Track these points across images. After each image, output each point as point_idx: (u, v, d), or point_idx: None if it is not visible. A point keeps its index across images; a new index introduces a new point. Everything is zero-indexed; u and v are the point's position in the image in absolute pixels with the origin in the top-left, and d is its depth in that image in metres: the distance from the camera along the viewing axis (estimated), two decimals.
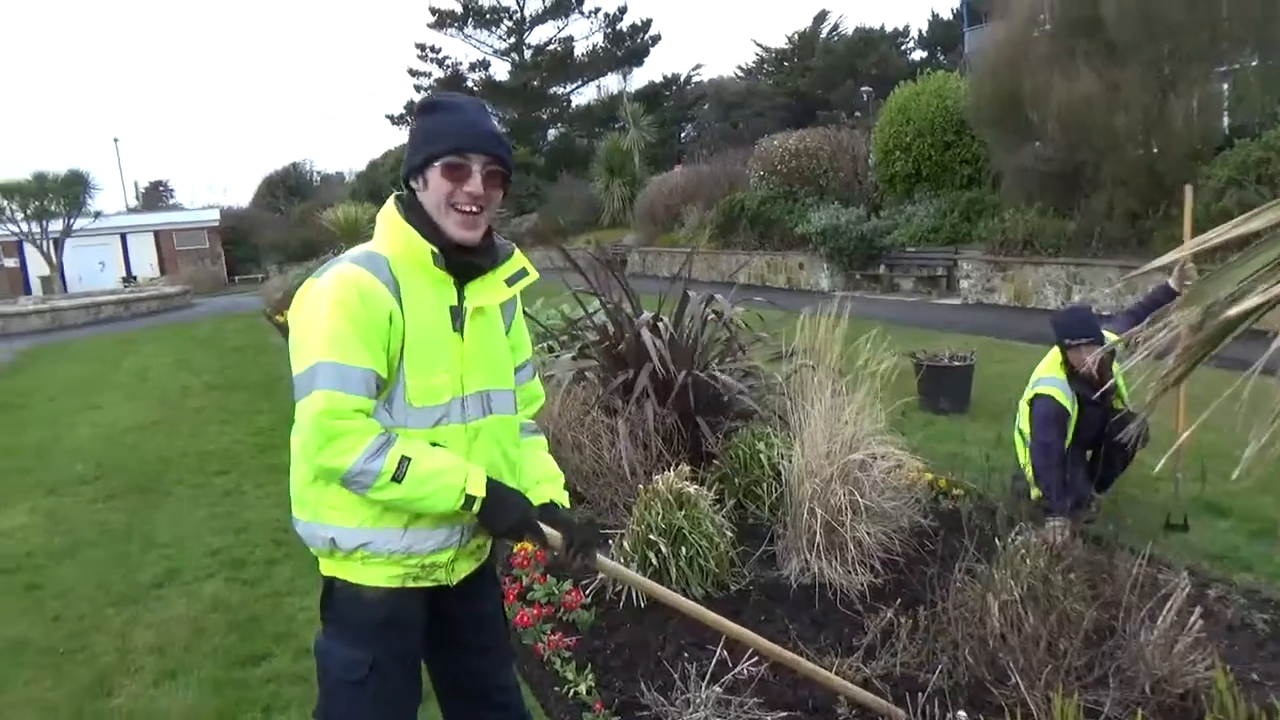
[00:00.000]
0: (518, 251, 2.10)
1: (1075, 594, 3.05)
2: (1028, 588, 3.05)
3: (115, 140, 64.94)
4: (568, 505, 2.20)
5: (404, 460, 1.83)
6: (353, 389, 1.81)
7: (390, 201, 2.00)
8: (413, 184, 1.97)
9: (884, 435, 4.18)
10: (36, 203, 30.90)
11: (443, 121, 1.94)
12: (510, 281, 2.07)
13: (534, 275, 2.11)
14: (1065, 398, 4.36)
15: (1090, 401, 4.37)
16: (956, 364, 7.14)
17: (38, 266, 35.91)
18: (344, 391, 1.80)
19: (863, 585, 3.76)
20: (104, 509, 6.09)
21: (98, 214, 34.56)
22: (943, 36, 43.00)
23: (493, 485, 1.94)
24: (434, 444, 1.92)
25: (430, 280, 1.94)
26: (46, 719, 3.38)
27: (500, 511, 1.94)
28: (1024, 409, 4.53)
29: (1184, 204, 4.65)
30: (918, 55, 44.00)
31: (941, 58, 40.33)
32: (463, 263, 1.96)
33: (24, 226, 31.47)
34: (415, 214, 1.94)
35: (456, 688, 2.24)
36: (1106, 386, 4.21)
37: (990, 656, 2.97)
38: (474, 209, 1.92)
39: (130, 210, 47.71)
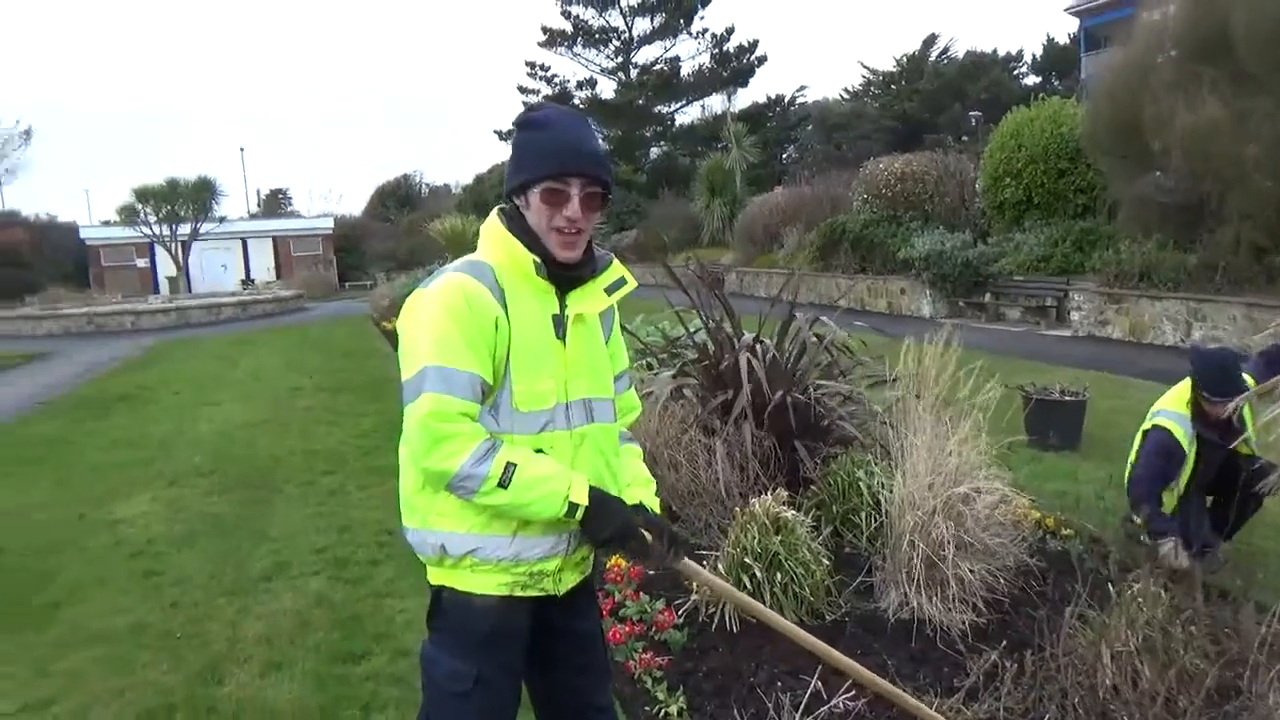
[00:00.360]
0: (616, 261, 2.12)
1: (1197, 648, 2.88)
2: (1144, 638, 2.90)
3: (241, 150, 68.53)
4: (659, 511, 2.20)
5: (510, 466, 1.85)
6: (459, 392, 1.85)
7: (494, 213, 2.05)
8: (516, 200, 2.01)
9: (990, 469, 4.04)
10: (168, 207, 32.71)
11: (543, 141, 1.96)
12: (610, 290, 2.09)
13: (633, 284, 2.12)
14: (1184, 436, 4.14)
15: (1212, 444, 4.15)
16: (1068, 398, 6.87)
17: (166, 267, 38.00)
18: (450, 395, 1.84)
19: (965, 624, 3.63)
20: (219, 501, 6.37)
21: (222, 219, 36.37)
22: (1058, 61, 41.79)
23: (595, 493, 1.94)
24: (539, 450, 1.94)
25: (533, 289, 1.98)
26: (162, 701, 3.53)
27: (603, 519, 1.94)
28: (1138, 439, 4.33)
29: None
30: (1031, 80, 42.81)
31: (1056, 83, 39.15)
32: (567, 277, 2.00)
33: (156, 229, 33.34)
34: (518, 225, 1.98)
35: (553, 703, 2.25)
36: (1235, 432, 3.99)
37: (1102, 708, 2.83)
38: (573, 230, 1.96)
39: (251, 216, 50.03)
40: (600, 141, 2.02)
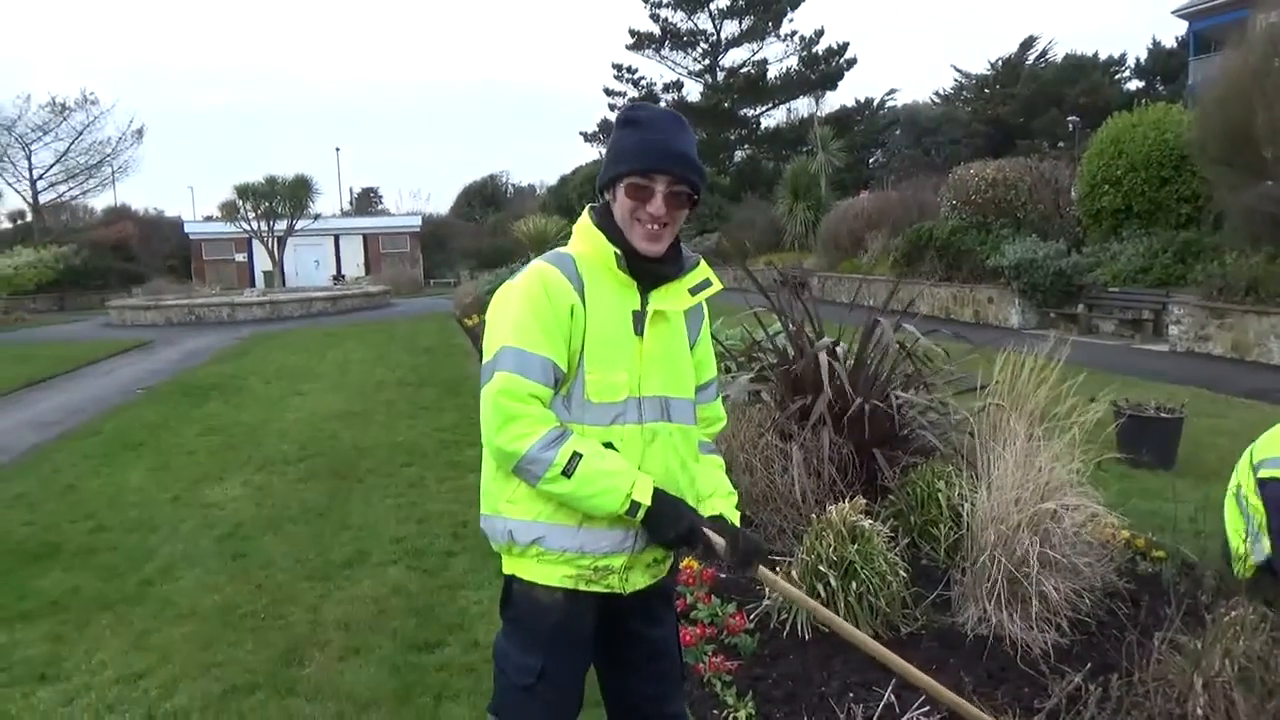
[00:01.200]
0: (703, 262, 2.12)
1: None
2: (1240, 668, 2.76)
3: (337, 150, 70.67)
4: (737, 524, 2.17)
5: (576, 455, 1.87)
6: (531, 374, 1.89)
7: (585, 211, 2.09)
8: (605, 195, 2.05)
9: (1080, 487, 3.90)
10: (266, 204, 33.97)
11: (635, 139, 1.99)
12: (694, 291, 2.09)
13: (718, 286, 2.12)
14: None
15: None
16: (1164, 415, 6.60)
17: (262, 261, 39.45)
18: (523, 375, 1.89)
19: (1047, 643, 3.51)
20: (304, 489, 6.57)
21: (317, 216, 37.56)
22: (1163, 66, 40.20)
23: (660, 494, 1.94)
24: (609, 444, 1.95)
25: (615, 283, 2.00)
26: (246, 679, 3.66)
27: (666, 521, 1.94)
28: (1247, 477, 4.04)
29: None
30: (1133, 85, 41.31)
31: (1160, 88, 37.70)
32: (647, 269, 2.01)
33: (254, 225, 34.62)
34: (605, 220, 2.03)
35: (624, 706, 2.25)
36: None
37: None
38: (655, 226, 1.97)
39: (344, 214, 51.53)
40: (694, 144, 2.02)
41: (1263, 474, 3.95)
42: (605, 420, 1.96)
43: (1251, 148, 12.31)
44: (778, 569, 3.91)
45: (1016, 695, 3.21)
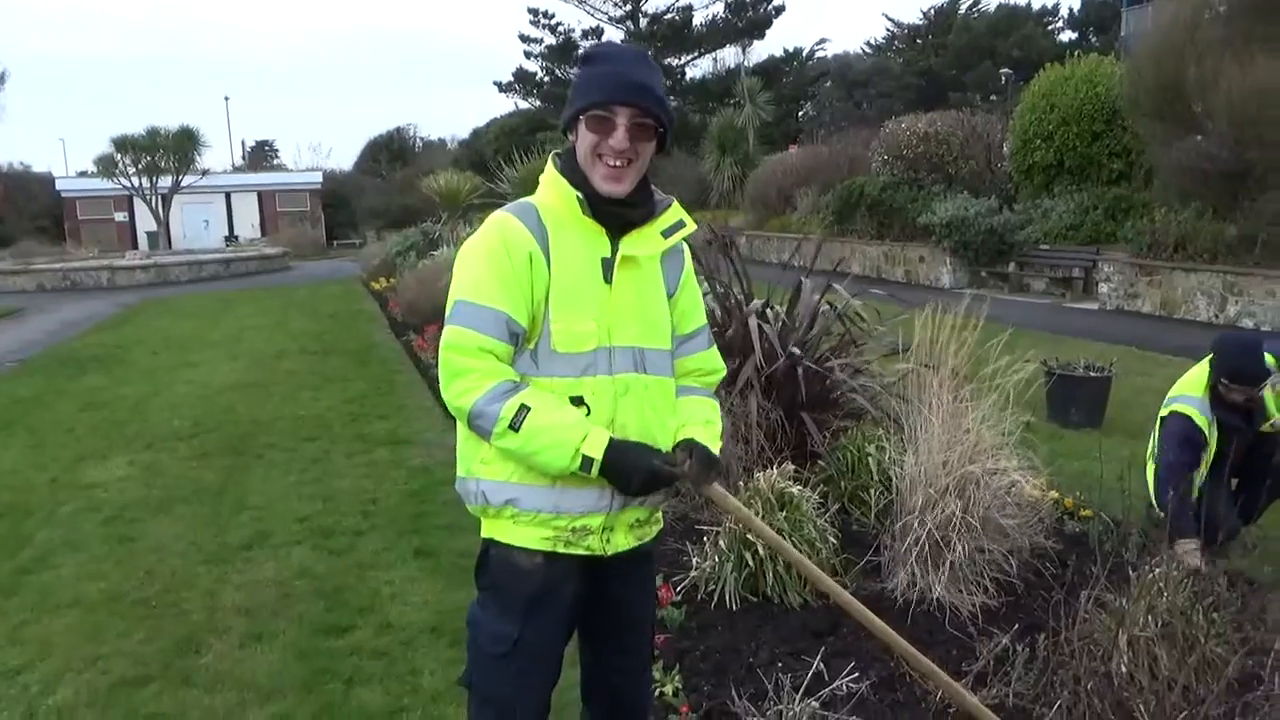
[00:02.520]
0: (676, 203, 2.13)
1: (1219, 636, 2.90)
2: (1164, 624, 2.92)
3: (226, 99, 67.91)
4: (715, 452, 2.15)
5: (523, 409, 1.87)
6: (482, 327, 1.91)
7: (549, 158, 2.10)
8: (569, 135, 2.05)
9: (1009, 448, 4.04)
10: (148, 158, 32.61)
11: (594, 74, 1.99)
12: (667, 234, 2.08)
13: (691, 226, 2.13)
14: (1204, 422, 4.16)
15: (1234, 428, 4.17)
16: (1092, 375, 6.87)
17: (145, 222, 37.96)
18: (472, 329, 1.91)
19: (975, 606, 3.66)
20: (198, 467, 6.41)
21: (205, 172, 36.24)
22: (1097, 16, 41.33)
23: (613, 446, 1.91)
24: (579, 398, 1.95)
25: (581, 230, 2.00)
26: (137, 671, 3.58)
27: (623, 470, 1.92)
28: (1156, 427, 4.34)
29: None
30: (1066, 36, 42.38)
31: (1094, 39, 38.75)
32: (616, 214, 2.01)
33: (135, 181, 33.25)
34: (567, 164, 2.04)
35: (596, 675, 2.30)
36: (1260, 415, 4.00)
37: (1116, 696, 2.85)
38: (618, 163, 1.96)
39: (235, 169, 49.86)
40: (658, 78, 2.02)
41: (1163, 411, 4.21)
42: (574, 372, 1.96)
43: (1183, 102, 12.77)
44: (704, 539, 3.99)
45: (945, 658, 3.33)
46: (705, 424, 2.17)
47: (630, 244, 2.03)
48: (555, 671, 2.14)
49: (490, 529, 2.07)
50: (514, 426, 1.87)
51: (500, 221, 1.99)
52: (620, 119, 1.94)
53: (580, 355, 1.96)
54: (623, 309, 2.01)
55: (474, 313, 1.92)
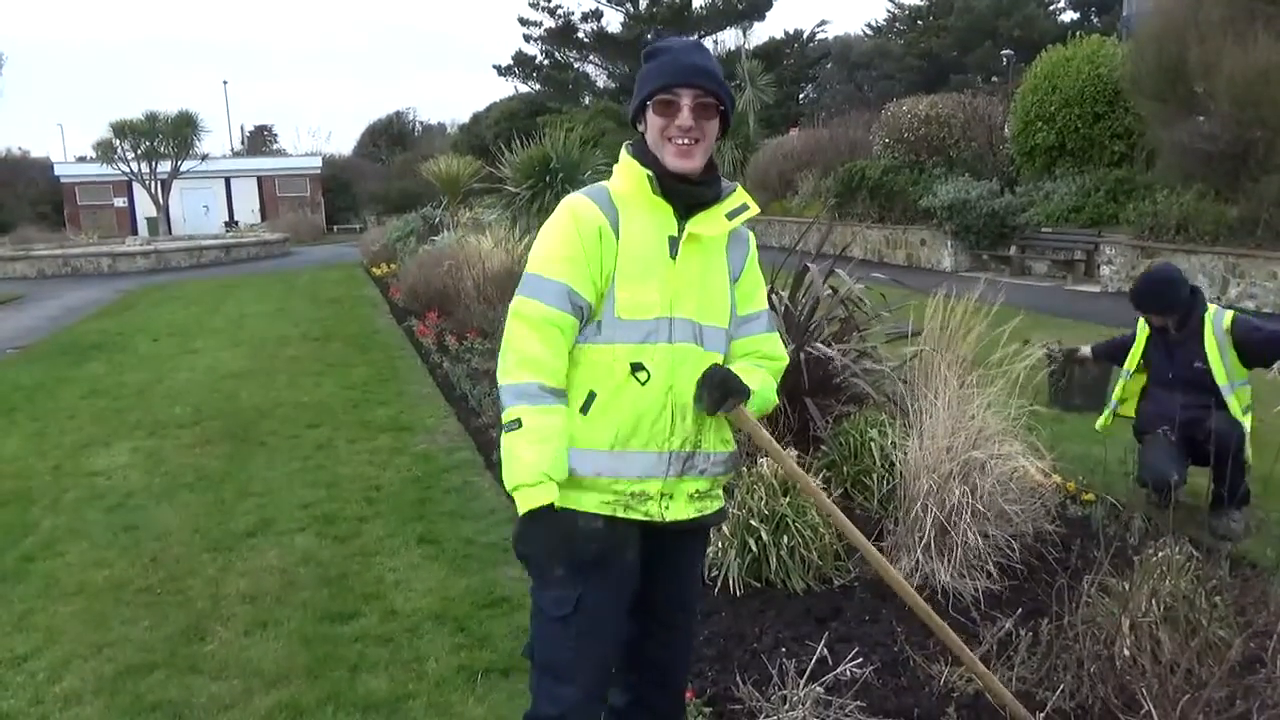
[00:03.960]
0: (740, 188, 2.22)
1: (1221, 620, 2.91)
2: (1167, 608, 2.92)
3: (224, 83, 67.82)
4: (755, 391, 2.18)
5: (516, 422, 1.99)
6: (545, 298, 2.04)
7: (623, 148, 2.22)
8: (639, 127, 2.19)
9: (1014, 433, 4.04)
10: (147, 143, 32.49)
11: (656, 64, 2.13)
12: (731, 215, 2.18)
13: (755, 209, 2.23)
14: (1141, 327, 4.78)
15: (1156, 344, 4.66)
16: None
17: (145, 207, 37.87)
18: (537, 299, 2.05)
19: (978, 591, 3.67)
20: (201, 454, 6.41)
21: (204, 157, 36.13)
22: None
23: (538, 516, 1.97)
24: (639, 364, 2.05)
25: (651, 209, 2.13)
26: (143, 659, 3.59)
27: (524, 534, 2.00)
28: None
29: None
30: (1068, 17, 42.15)
31: (1095, 20, 38.55)
32: (680, 192, 2.12)
33: (134, 167, 33.15)
34: (640, 150, 2.17)
35: (638, 655, 2.31)
36: (1181, 352, 4.50)
37: (1118, 680, 2.86)
38: (686, 141, 2.09)
39: (235, 154, 49.71)
40: (716, 63, 2.16)
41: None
42: (636, 337, 2.06)
43: (1185, 83, 12.70)
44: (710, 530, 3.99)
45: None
46: (747, 372, 2.19)
47: (696, 223, 2.13)
48: (614, 639, 2.18)
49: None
50: (506, 428, 2.00)
51: (571, 202, 2.13)
52: (684, 100, 2.07)
53: (643, 322, 2.07)
54: (685, 284, 2.11)
55: (540, 284, 2.05)
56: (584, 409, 2.06)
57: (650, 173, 2.10)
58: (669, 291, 2.09)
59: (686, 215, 2.13)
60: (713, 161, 2.16)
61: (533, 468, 1.96)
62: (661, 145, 2.10)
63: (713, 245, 2.17)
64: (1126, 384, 4.85)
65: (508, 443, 1.99)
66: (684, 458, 2.12)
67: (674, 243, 2.11)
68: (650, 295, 2.07)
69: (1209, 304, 4.52)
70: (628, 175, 2.15)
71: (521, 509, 1.97)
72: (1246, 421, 4.38)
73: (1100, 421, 4.98)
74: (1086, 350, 5.37)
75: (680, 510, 2.14)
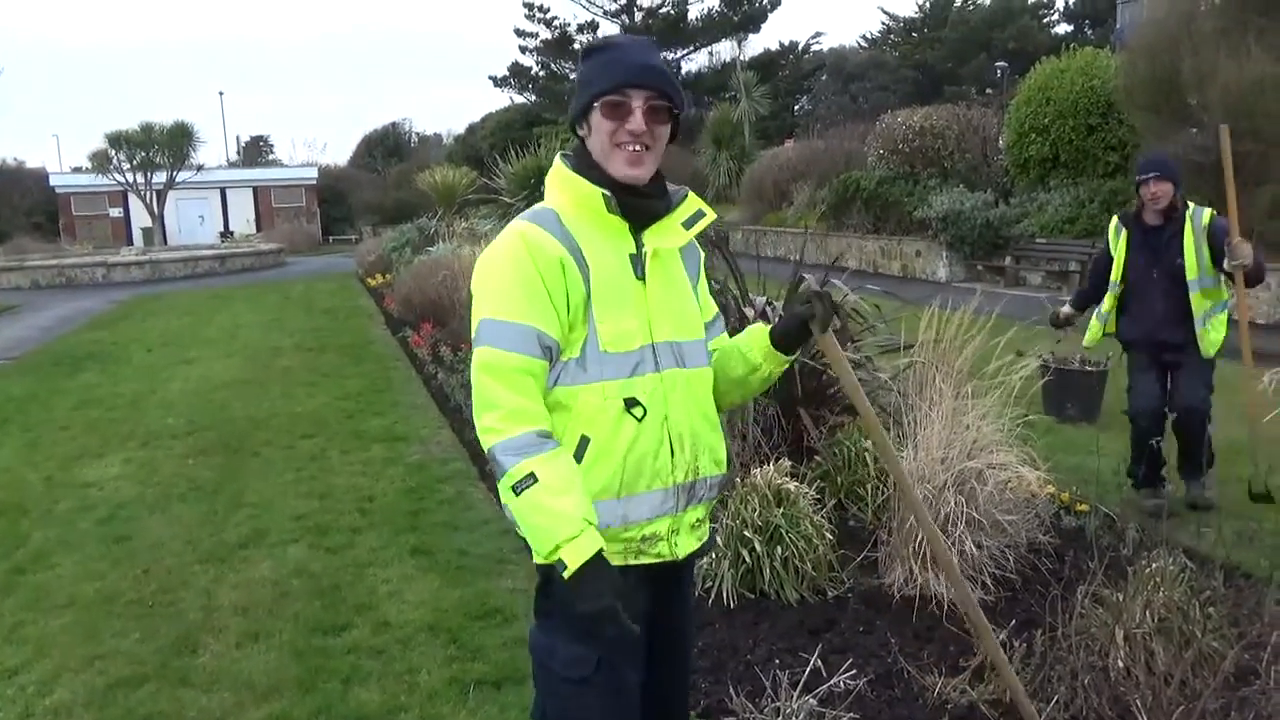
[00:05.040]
0: (692, 194, 2.07)
1: (1215, 631, 2.91)
2: (1161, 619, 2.92)
3: (220, 94, 67.97)
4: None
5: (530, 477, 1.77)
6: (515, 346, 1.83)
7: (556, 159, 2.03)
8: (579, 131, 2.00)
9: (1009, 444, 4.04)
10: (143, 153, 32.49)
11: (602, 61, 1.95)
12: (687, 224, 2.04)
13: (711, 215, 2.08)
14: (1115, 235, 5.04)
15: (1150, 231, 4.92)
16: (1089, 369, 6.87)
17: (140, 218, 37.83)
18: (502, 349, 1.83)
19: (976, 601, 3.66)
20: (194, 465, 6.39)
21: (200, 167, 36.12)
22: (1092, 9, 41.33)
23: (595, 563, 1.76)
24: (633, 399, 1.89)
25: (605, 229, 1.94)
26: (134, 671, 3.57)
27: (588, 591, 1.76)
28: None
29: (1222, 148, 4.76)
30: (1062, 29, 42.38)
31: (1089, 32, 38.77)
32: (636, 207, 1.95)
33: (130, 177, 33.14)
34: (583, 161, 1.97)
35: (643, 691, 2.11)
36: (1168, 235, 4.85)
37: (1113, 690, 2.86)
38: (638, 146, 1.91)
39: (230, 165, 49.73)
40: (664, 61, 1.99)
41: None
42: (625, 372, 1.89)
43: (1178, 95, 12.75)
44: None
45: (943, 654, 3.35)
46: (748, 336, 2.13)
47: (655, 237, 1.98)
48: (638, 696, 2.00)
49: None
50: (516, 490, 1.78)
51: (521, 232, 1.90)
52: (636, 102, 1.90)
53: (629, 354, 1.90)
54: (658, 304, 1.97)
55: (502, 330, 1.84)
56: (578, 457, 1.86)
57: (605, 193, 1.90)
58: (645, 315, 1.94)
59: (640, 228, 1.98)
60: (659, 170, 2.00)
61: (570, 518, 1.76)
62: (609, 153, 1.92)
63: (670, 257, 2.03)
64: (1115, 297, 5.06)
65: (527, 502, 1.77)
66: (688, 489, 1.96)
67: (636, 260, 1.95)
68: (630, 323, 1.91)
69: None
70: (574, 192, 1.94)
71: (574, 565, 1.74)
72: (1214, 348, 4.80)
73: (1088, 338, 5.26)
74: (1067, 308, 5.41)
75: (686, 544, 2.00)
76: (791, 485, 3.91)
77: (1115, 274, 4.99)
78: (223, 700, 3.34)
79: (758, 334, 2.11)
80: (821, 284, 5.35)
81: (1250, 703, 2.78)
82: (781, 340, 2.07)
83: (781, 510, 3.83)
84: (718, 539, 3.82)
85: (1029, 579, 3.82)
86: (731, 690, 3.08)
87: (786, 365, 2.12)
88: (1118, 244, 5.00)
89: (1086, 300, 5.36)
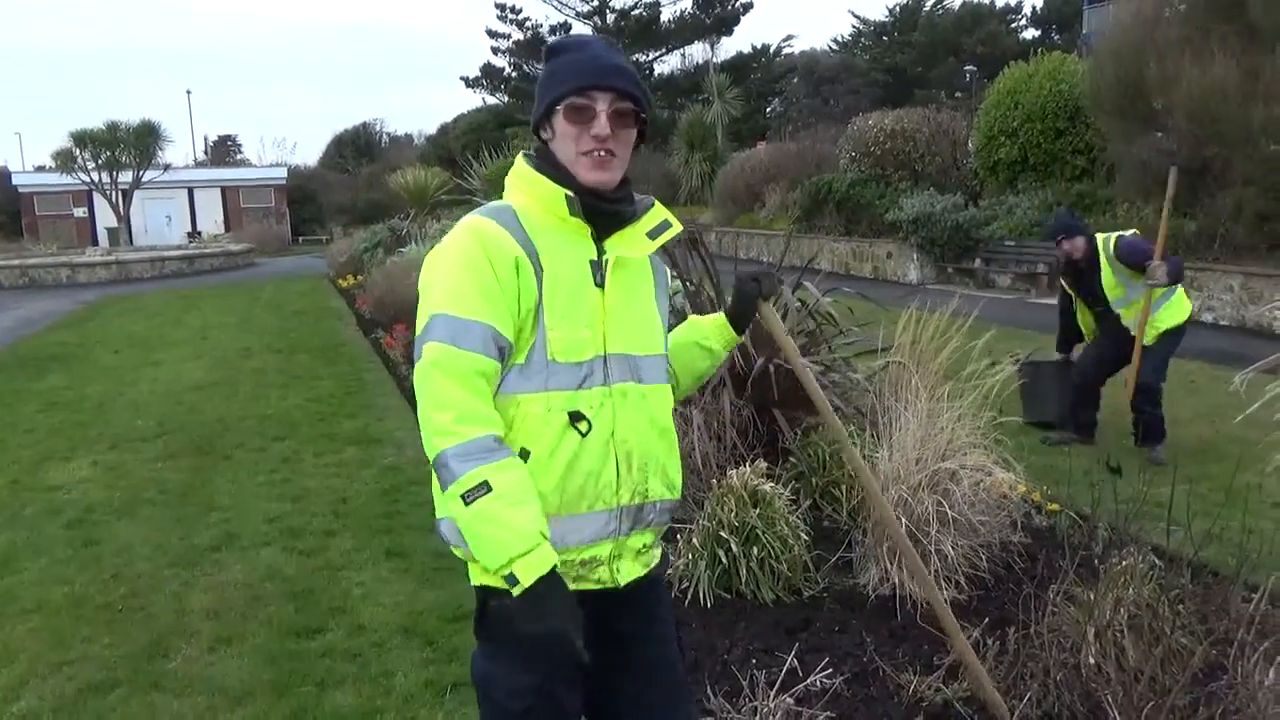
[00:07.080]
0: (659, 204, 2.01)
1: (1184, 627, 2.95)
2: (1131, 616, 2.96)
3: (188, 93, 67.22)
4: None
5: (483, 486, 1.67)
6: (468, 344, 1.73)
7: (519, 158, 1.97)
8: (543, 134, 1.93)
9: (983, 445, 4.09)
10: (108, 152, 32.00)
11: (565, 62, 1.88)
12: (652, 235, 1.96)
13: (677, 227, 2.00)
14: (1064, 279, 6.45)
15: (1080, 272, 6.18)
16: (1059, 359, 6.98)
17: (105, 217, 37.28)
18: (458, 346, 1.72)
19: (946, 601, 3.69)
20: (164, 468, 6.32)
21: (167, 167, 35.64)
22: (1059, 14, 41.85)
23: (549, 580, 1.68)
24: (578, 412, 1.79)
25: (566, 232, 1.86)
26: (104, 677, 3.53)
27: (537, 612, 1.67)
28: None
29: (1168, 189, 5.83)
30: (1030, 34, 42.90)
31: (1056, 37, 39.25)
32: (601, 213, 1.88)
33: (95, 176, 32.66)
34: (546, 162, 1.89)
35: None
36: (1088, 276, 6.11)
37: (1084, 687, 2.90)
38: (603, 152, 1.84)
39: (198, 164, 49.18)
40: (628, 62, 1.92)
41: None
42: (573, 383, 1.80)
43: (1143, 99, 12.94)
44: (678, 536, 4.00)
45: (916, 653, 3.38)
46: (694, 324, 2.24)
47: (618, 245, 1.90)
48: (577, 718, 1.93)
49: (485, 576, 1.79)
50: (466, 499, 1.67)
51: (476, 226, 1.81)
52: (600, 105, 1.83)
53: (579, 365, 1.81)
54: (614, 314, 1.87)
55: (457, 327, 1.73)
56: None
57: (569, 193, 1.83)
58: (599, 325, 1.84)
59: (603, 235, 1.90)
60: (626, 176, 1.92)
61: (525, 532, 1.67)
62: (574, 160, 1.85)
63: (636, 267, 1.95)
64: (1085, 319, 6.39)
65: (478, 512, 1.67)
66: (634, 512, 1.86)
67: (596, 267, 1.86)
68: (583, 332, 1.81)
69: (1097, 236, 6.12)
70: (536, 192, 1.86)
71: (527, 580, 1.65)
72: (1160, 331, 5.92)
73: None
74: (1058, 356, 6.69)
75: (629, 570, 1.90)
76: (767, 486, 3.93)
77: (1078, 307, 6.39)
78: (195, 705, 3.31)
79: (717, 324, 2.20)
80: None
81: (1218, 697, 2.83)
82: (739, 321, 2.19)
83: (757, 511, 3.84)
84: (672, 560, 3.81)
85: (1002, 578, 3.86)
86: (709, 690, 3.09)
87: (736, 344, 2.25)
88: (1068, 285, 6.38)
89: (1069, 338, 6.61)
